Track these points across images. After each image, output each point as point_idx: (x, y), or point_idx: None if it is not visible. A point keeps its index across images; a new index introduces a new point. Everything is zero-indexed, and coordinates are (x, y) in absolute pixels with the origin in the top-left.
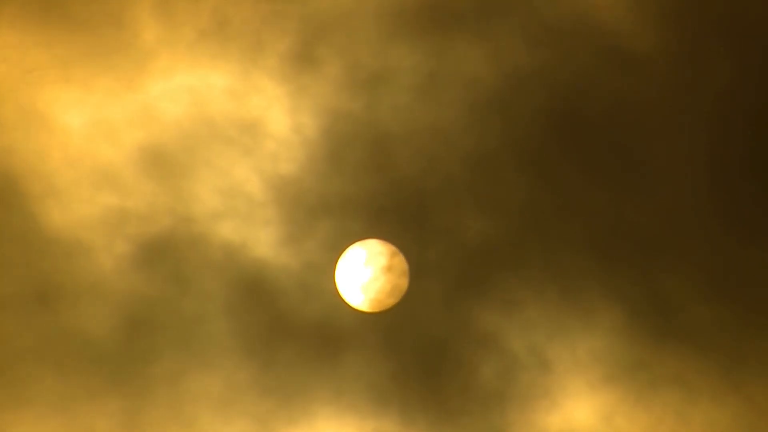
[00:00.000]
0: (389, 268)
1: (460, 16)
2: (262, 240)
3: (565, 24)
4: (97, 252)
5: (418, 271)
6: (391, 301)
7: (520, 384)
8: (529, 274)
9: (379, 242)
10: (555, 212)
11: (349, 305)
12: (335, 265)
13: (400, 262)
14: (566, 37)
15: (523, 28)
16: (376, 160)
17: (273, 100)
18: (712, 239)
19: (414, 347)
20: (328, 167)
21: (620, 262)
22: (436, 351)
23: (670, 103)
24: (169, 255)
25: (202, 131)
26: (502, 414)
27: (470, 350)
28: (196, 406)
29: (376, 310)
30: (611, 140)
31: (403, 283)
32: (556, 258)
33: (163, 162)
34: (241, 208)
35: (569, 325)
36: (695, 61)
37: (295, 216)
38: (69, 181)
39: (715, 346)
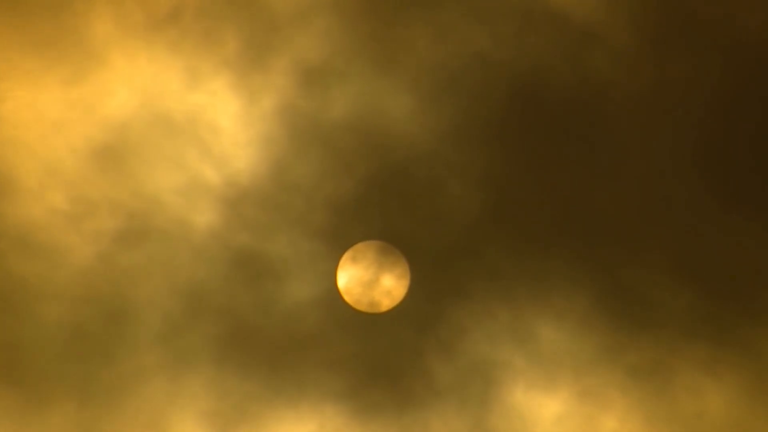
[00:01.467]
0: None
1: (412, 3)
2: (216, 235)
3: (517, 4)
4: (50, 251)
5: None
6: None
7: (481, 382)
8: (496, 273)
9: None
10: (517, 201)
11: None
12: (297, 263)
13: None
14: (519, 19)
15: (476, 10)
16: (330, 152)
17: (224, 93)
18: (681, 225)
19: (377, 349)
20: (283, 160)
21: (587, 250)
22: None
23: (636, 89)
24: (123, 253)
25: (153, 125)
26: (461, 412)
27: (433, 348)
28: (156, 410)
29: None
30: (576, 126)
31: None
32: (522, 253)
33: (114, 156)
34: (195, 202)
35: (534, 318)
36: (659, 44)
37: (251, 211)
38: (19, 177)
39: (687, 334)
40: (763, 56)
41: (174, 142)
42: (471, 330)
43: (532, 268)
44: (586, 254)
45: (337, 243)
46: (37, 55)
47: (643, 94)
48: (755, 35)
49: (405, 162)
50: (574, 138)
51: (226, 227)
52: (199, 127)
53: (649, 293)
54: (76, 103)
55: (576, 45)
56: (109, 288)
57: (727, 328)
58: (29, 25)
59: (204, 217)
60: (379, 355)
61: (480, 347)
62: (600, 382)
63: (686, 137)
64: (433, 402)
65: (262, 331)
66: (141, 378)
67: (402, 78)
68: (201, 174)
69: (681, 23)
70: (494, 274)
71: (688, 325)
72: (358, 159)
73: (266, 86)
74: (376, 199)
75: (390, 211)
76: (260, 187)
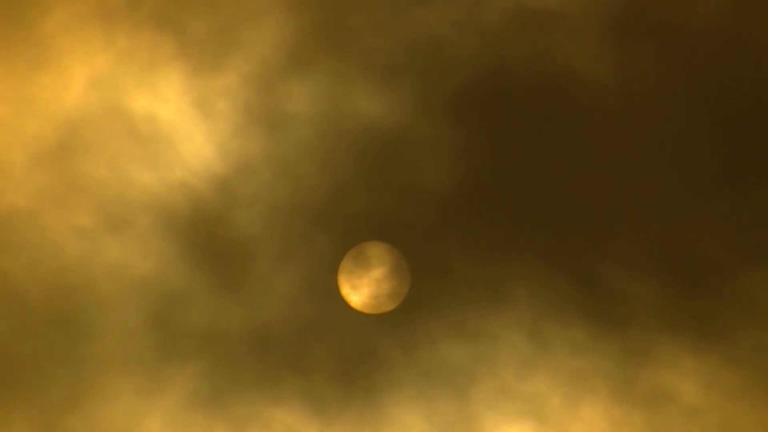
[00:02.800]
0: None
1: None
2: (175, 231)
3: None
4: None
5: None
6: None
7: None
8: (460, 279)
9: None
10: (478, 196)
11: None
12: (261, 257)
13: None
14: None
15: None
16: (292, 144)
17: (177, 94)
18: (651, 214)
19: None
20: (238, 159)
21: (555, 242)
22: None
23: (601, 73)
24: (76, 249)
25: (107, 121)
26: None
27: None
28: (126, 411)
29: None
30: (540, 112)
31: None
32: (482, 258)
33: (65, 153)
34: (150, 198)
35: (495, 315)
36: (622, 28)
37: (213, 205)
38: None
39: (661, 325)
40: (724, 43)
41: (127, 139)
42: (438, 330)
43: (492, 273)
44: (553, 246)
45: (307, 236)
46: None
47: (608, 80)
48: (716, 19)
49: (370, 145)
50: (538, 125)
51: (183, 223)
52: (153, 123)
53: (619, 285)
54: (27, 99)
55: (537, 28)
56: (64, 284)
57: (699, 316)
58: None
59: (159, 213)
60: (343, 355)
61: (445, 346)
62: (567, 385)
63: (654, 125)
64: (393, 402)
65: (230, 329)
66: (107, 379)
67: (360, 65)
68: (154, 169)
69: (644, 6)
70: (459, 280)
71: (662, 316)
72: (320, 148)
73: (224, 81)
74: (341, 185)
75: (354, 200)
76: (219, 182)
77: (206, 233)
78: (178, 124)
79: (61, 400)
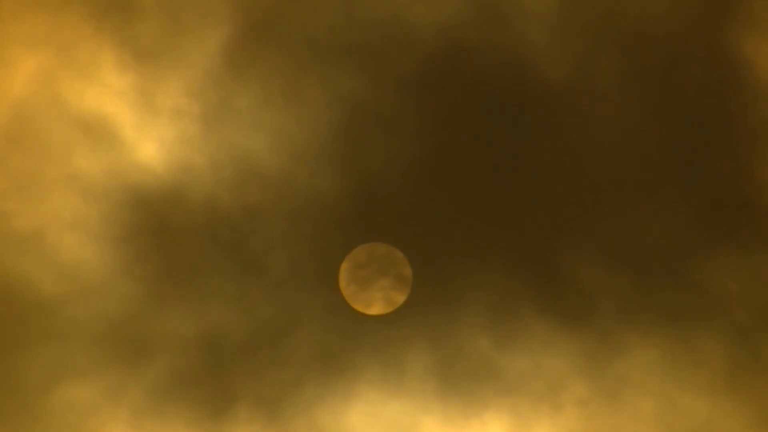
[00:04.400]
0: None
1: None
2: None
3: None
4: None
5: None
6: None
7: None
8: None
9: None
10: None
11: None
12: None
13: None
14: None
15: None
16: (227, 150)
17: (121, 88)
18: (610, 205)
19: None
20: (183, 156)
21: (517, 234)
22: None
23: (563, 61)
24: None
25: (44, 116)
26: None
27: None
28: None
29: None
30: (500, 99)
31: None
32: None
33: (6, 143)
34: (91, 193)
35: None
36: (581, 13)
37: (142, 211)
38: None
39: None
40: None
41: (71, 133)
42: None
43: (447, 267)
44: (516, 238)
45: (256, 234)
46: None
47: (569, 68)
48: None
49: (318, 134)
50: (495, 113)
51: (129, 219)
52: (97, 117)
53: (580, 277)
54: None
55: (496, 9)
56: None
57: (661, 304)
58: None
59: (99, 208)
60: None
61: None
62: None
63: (614, 117)
64: (347, 408)
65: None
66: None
67: (308, 53)
68: (99, 163)
69: None
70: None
71: (625, 306)
72: (267, 141)
73: (169, 75)
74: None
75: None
76: (165, 179)
77: (151, 229)
78: (123, 119)
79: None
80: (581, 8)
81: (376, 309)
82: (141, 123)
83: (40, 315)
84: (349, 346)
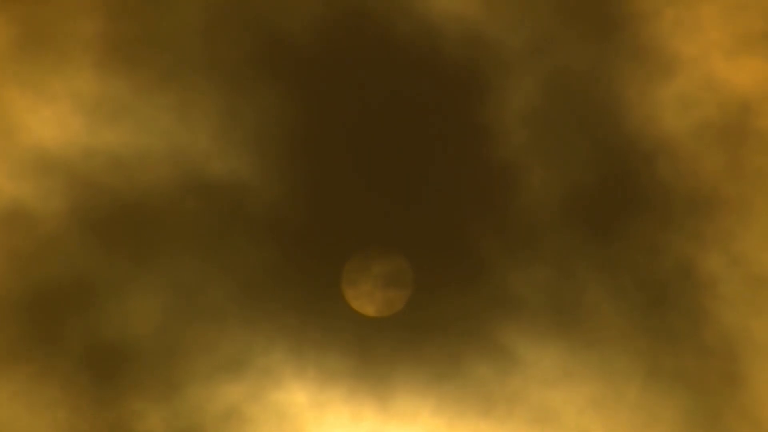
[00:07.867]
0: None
1: None
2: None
3: None
4: None
5: None
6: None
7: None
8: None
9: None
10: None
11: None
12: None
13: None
14: None
15: None
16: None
17: (14, 74)
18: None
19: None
20: (82, 144)
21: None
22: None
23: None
24: None
25: None
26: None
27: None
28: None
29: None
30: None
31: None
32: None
33: None
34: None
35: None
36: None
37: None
38: None
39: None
40: None
41: None
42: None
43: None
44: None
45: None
46: None
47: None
48: None
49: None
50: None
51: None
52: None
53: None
54: None
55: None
56: None
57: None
58: None
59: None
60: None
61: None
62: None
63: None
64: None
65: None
66: None
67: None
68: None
69: None
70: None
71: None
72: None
73: (63, 64)
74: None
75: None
76: (63, 166)
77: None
78: (16, 106)
79: None
80: None
81: None
82: (34, 107)
83: None
84: None
